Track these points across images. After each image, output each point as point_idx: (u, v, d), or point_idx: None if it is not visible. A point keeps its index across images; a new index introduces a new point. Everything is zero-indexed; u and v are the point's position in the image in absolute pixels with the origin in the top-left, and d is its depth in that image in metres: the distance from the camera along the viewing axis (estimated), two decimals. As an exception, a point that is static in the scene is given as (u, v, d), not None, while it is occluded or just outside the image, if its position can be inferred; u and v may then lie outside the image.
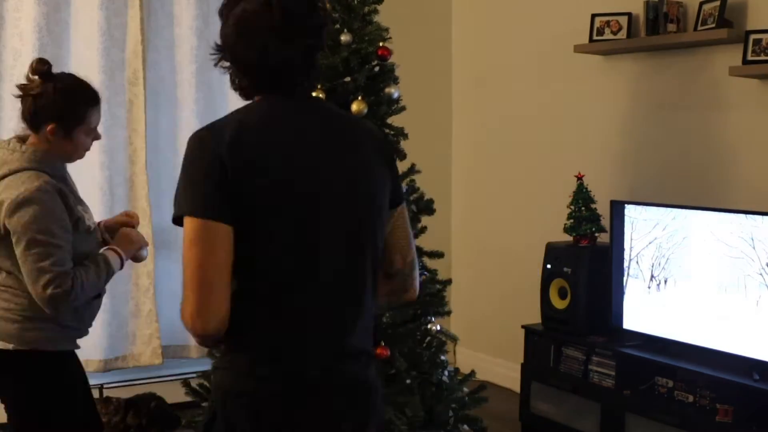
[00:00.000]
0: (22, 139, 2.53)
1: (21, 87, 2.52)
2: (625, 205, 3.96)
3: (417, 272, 1.94)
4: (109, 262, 2.55)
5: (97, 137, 2.62)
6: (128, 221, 2.77)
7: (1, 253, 2.46)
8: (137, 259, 2.73)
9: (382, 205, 1.83)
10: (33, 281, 2.37)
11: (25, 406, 2.52)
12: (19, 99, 2.52)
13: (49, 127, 2.47)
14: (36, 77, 2.50)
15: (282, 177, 1.71)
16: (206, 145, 1.70)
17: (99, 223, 2.73)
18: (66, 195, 2.47)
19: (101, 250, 2.59)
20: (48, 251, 2.37)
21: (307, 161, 1.74)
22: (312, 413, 1.75)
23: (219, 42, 1.80)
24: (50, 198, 2.42)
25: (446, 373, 3.43)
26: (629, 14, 4.21)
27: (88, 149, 2.61)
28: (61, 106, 2.48)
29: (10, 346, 2.47)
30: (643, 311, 3.87)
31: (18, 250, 2.39)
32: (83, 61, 4.26)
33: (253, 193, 1.68)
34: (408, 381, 3.29)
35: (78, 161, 2.61)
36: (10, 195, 2.40)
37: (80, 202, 2.61)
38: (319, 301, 1.74)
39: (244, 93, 1.83)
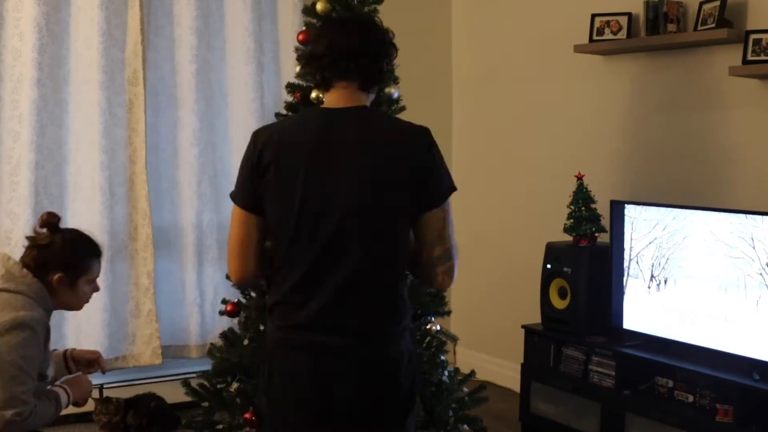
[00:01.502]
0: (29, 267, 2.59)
1: (29, 238, 2.60)
2: (625, 205, 3.96)
3: (447, 266, 2.13)
4: (60, 403, 2.61)
5: (96, 289, 2.70)
6: (95, 359, 2.88)
7: None
8: (77, 404, 2.77)
9: (395, 206, 2.08)
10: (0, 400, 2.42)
11: None
12: (25, 249, 2.59)
13: (56, 277, 2.55)
14: (44, 230, 2.59)
15: (294, 175, 2.03)
16: (252, 141, 2.12)
17: (67, 351, 2.83)
18: (47, 336, 2.55)
19: (56, 386, 2.64)
20: (23, 379, 2.43)
21: (321, 161, 2.04)
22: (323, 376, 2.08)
23: None
24: (42, 331, 2.50)
25: (446, 373, 3.42)
26: (629, 14, 4.21)
27: (87, 301, 2.69)
28: (68, 257, 2.58)
29: None
30: (643, 311, 3.87)
31: None
32: (83, 61, 4.26)
33: (267, 187, 2.06)
34: (408, 381, 3.28)
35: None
36: (6, 315, 2.44)
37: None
38: (322, 286, 2.07)
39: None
